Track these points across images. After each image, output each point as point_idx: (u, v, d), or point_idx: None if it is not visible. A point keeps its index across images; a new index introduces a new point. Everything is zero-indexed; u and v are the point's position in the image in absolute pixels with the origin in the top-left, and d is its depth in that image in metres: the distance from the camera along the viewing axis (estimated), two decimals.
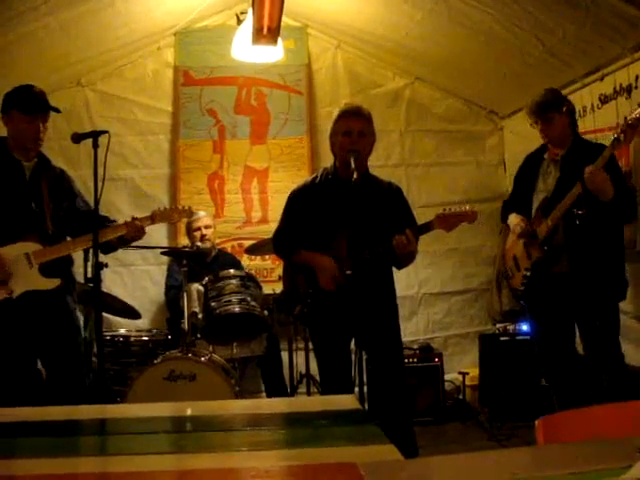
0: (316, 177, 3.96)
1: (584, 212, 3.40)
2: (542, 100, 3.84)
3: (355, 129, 3.74)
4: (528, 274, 3.91)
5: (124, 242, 3.89)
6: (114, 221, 3.97)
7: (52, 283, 3.70)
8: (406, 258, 3.80)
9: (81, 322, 4.03)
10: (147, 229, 3.95)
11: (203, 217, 5.60)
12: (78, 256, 4.03)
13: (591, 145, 3.94)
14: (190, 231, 5.60)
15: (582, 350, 3.91)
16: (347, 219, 3.58)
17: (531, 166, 4.06)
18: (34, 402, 3.54)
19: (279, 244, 4.02)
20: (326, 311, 3.77)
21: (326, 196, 3.82)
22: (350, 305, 3.44)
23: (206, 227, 5.58)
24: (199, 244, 5.42)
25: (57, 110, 3.77)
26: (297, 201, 3.93)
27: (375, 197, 3.80)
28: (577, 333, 3.95)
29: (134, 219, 3.85)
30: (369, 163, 3.94)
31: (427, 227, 3.69)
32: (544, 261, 3.81)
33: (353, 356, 3.69)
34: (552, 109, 3.78)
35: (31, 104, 3.68)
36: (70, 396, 3.70)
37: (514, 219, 4.05)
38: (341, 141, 3.77)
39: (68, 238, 3.86)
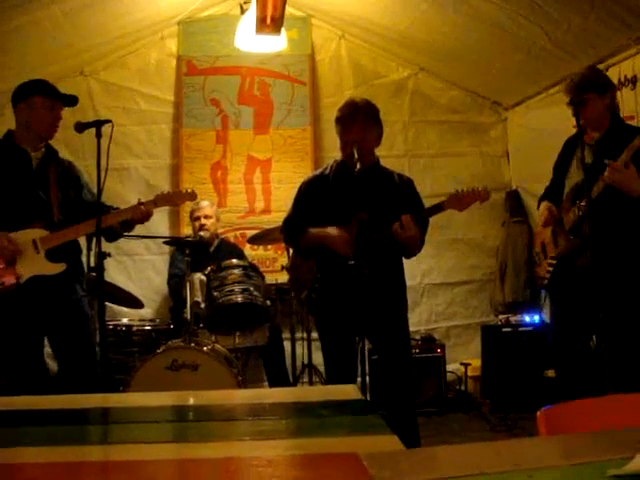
0: (326, 168, 3.96)
1: (587, 203, 3.36)
2: (579, 80, 3.63)
3: (349, 140, 3.70)
4: (554, 263, 3.81)
5: (128, 226, 3.90)
6: (117, 209, 3.98)
7: (58, 268, 3.72)
8: (409, 245, 3.76)
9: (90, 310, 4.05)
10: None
11: (205, 207, 5.61)
12: (81, 245, 4.04)
13: (630, 129, 3.70)
14: (191, 220, 5.61)
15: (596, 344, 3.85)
16: (354, 210, 3.58)
17: (568, 151, 3.87)
18: (39, 391, 3.56)
19: (287, 230, 4.02)
20: (333, 299, 3.77)
21: (335, 187, 3.82)
22: (357, 295, 3.44)
23: (205, 217, 5.58)
24: (201, 233, 5.43)
25: (74, 100, 3.81)
26: (307, 191, 3.94)
27: (384, 188, 3.79)
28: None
29: (140, 203, 3.86)
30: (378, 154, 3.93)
31: (439, 207, 3.66)
32: (571, 251, 3.69)
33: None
34: (589, 89, 3.56)
35: (52, 91, 3.78)
36: (81, 384, 3.73)
37: (541, 207, 3.93)
38: (342, 147, 3.80)
39: None
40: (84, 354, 3.85)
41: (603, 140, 3.60)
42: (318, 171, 4.05)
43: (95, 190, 3.71)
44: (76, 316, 3.86)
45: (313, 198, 3.88)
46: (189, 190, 4.13)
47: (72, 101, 3.80)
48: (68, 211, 3.82)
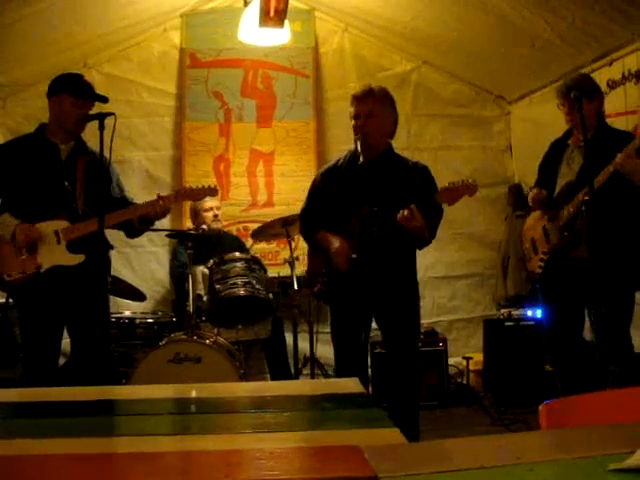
0: (340, 159, 3.97)
1: (589, 199, 3.39)
2: (572, 84, 3.75)
3: (361, 113, 3.75)
4: (546, 258, 3.88)
5: (147, 221, 3.92)
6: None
7: (77, 259, 3.75)
8: (416, 235, 3.73)
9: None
10: None
11: (214, 197, 5.58)
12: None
13: (616, 132, 3.85)
14: (200, 212, 5.53)
15: (592, 337, 3.88)
16: (360, 200, 3.60)
17: (556, 152, 3.99)
18: (50, 380, 3.65)
19: (303, 222, 4.07)
20: (342, 292, 3.78)
21: (345, 178, 3.83)
22: (364, 286, 3.46)
23: (217, 208, 5.58)
24: (204, 226, 5.40)
25: (104, 99, 3.78)
26: (320, 183, 3.95)
27: (393, 177, 3.78)
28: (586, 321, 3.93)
29: (159, 198, 3.86)
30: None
31: (431, 199, 3.67)
32: (564, 245, 3.77)
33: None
34: (581, 94, 3.63)
35: (81, 90, 3.79)
36: (92, 376, 3.77)
37: (530, 193, 4.04)
38: (353, 125, 3.79)
39: None
40: (99, 347, 3.88)
41: (592, 142, 3.64)
42: (333, 162, 4.06)
43: (123, 185, 4.00)
44: (97, 309, 3.89)
45: (326, 190, 3.90)
46: (211, 185, 4.11)
47: (102, 100, 3.78)
48: (94, 204, 3.82)
